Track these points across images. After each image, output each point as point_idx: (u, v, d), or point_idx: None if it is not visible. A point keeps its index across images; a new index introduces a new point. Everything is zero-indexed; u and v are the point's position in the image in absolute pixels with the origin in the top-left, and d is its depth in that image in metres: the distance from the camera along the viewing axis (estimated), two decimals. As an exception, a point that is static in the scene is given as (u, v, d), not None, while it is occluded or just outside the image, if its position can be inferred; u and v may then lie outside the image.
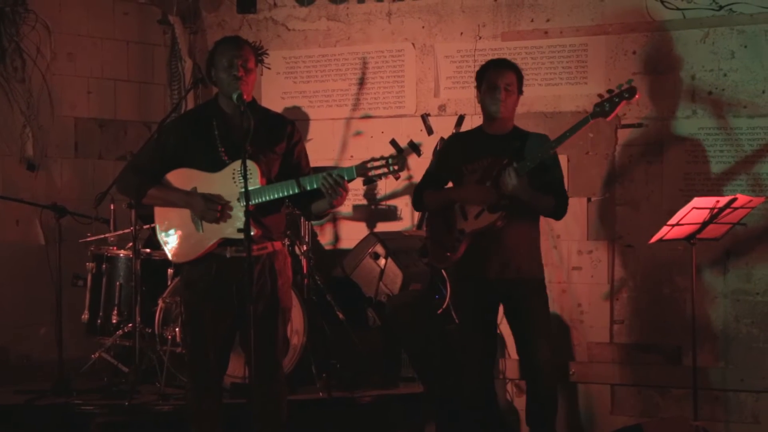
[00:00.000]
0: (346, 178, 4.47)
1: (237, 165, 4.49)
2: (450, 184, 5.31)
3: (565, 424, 6.16)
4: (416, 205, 5.43)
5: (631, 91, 4.95)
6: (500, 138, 5.16)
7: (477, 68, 5.26)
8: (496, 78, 5.11)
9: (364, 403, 5.91)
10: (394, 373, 6.26)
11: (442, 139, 6.49)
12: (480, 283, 5.13)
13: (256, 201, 4.50)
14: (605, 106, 4.99)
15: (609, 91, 5.00)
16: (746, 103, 6.04)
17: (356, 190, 6.76)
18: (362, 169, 4.45)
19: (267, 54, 4.79)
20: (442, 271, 6.13)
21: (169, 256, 4.74)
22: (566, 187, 5.40)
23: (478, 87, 5.20)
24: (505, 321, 5.38)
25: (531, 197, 5.01)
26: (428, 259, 5.51)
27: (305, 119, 7.00)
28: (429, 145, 6.54)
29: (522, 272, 5.11)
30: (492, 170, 5.04)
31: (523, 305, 5.14)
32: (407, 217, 6.81)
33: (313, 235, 6.59)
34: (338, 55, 6.98)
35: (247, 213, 4.31)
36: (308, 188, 4.51)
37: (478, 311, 5.17)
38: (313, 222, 6.51)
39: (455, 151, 5.29)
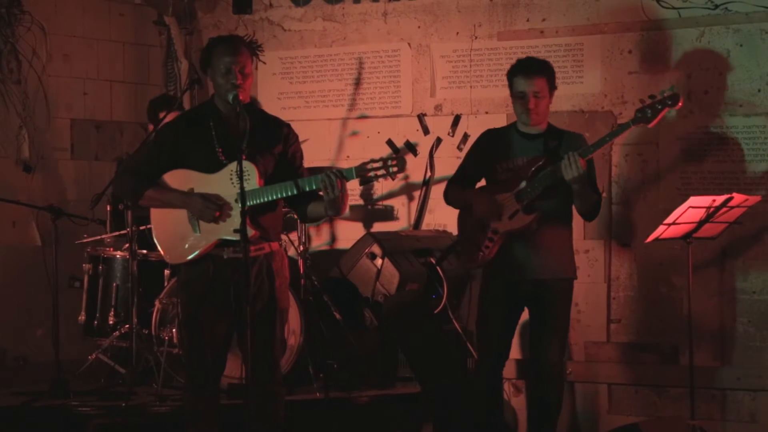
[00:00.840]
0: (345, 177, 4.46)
1: (234, 166, 4.47)
2: (483, 181, 5.26)
3: (562, 423, 6.14)
4: (446, 198, 5.36)
5: (674, 98, 4.83)
6: (535, 136, 5.11)
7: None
8: (524, 86, 5.03)
9: (361, 403, 5.91)
10: (391, 374, 6.25)
11: (438, 139, 6.50)
12: (510, 284, 5.10)
13: (254, 202, 4.50)
14: (647, 112, 4.86)
15: (651, 97, 4.88)
16: (742, 102, 6.04)
17: (353, 190, 6.74)
18: (362, 171, 4.45)
19: (261, 49, 4.77)
20: (439, 270, 6.12)
21: (166, 257, 4.74)
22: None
23: (509, 88, 5.14)
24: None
25: (584, 187, 4.91)
26: (461, 259, 5.45)
27: (301, 119, 6.98)
28: (425, 145, 6.54)
29: (554, 273, 5.07)
30: (527, 170, 4.99)
31: (547, 305, 5.11)
32: (404, 217, 6.81)
33: (308, 236, 6.57)
34: (334, 55, 6.98)
35: (242, 214, 4.30)
36: (306, 189, 4.50)
37: (503, 312, 5.15)
38: (308, 223, 6.50)
39: (488, 149, 5.21)
